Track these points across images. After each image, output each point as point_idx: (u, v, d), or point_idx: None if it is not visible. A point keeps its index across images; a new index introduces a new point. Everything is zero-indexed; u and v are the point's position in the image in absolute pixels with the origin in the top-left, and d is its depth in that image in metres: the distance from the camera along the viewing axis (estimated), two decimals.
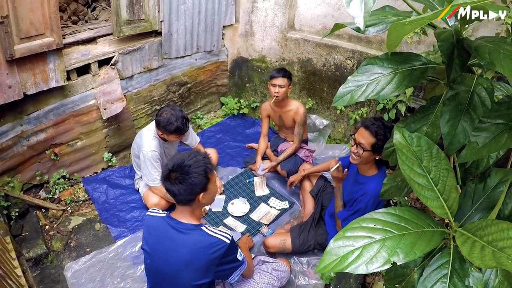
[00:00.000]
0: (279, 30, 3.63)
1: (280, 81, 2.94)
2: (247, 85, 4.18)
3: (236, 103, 4.20)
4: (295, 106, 3.11)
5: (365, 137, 2.06)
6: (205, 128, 4.06)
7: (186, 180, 1.58)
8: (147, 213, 1.77)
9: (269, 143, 3.45)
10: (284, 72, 2.97)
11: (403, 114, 2.95)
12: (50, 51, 2.60)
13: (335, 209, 2.39)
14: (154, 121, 2.71)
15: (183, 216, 1.67)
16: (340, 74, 3.43)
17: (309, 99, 3.77)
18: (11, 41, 2.36)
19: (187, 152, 1.69)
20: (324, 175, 2.99)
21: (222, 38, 3.96)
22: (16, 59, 2.43)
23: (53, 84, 2.72)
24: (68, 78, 2.83)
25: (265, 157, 3.37)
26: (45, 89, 2.69)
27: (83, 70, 2.95)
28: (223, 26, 3.87)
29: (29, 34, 2.43)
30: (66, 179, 3.13)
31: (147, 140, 2.72)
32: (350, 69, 3.34)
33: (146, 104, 3.55)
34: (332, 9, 3.33)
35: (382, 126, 2.04)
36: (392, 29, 0.74)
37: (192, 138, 3.09)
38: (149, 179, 2.75)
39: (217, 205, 3.02)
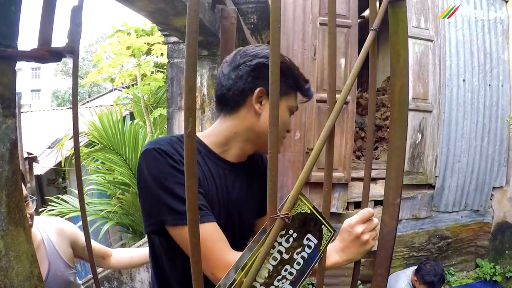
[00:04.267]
0: None
1: None
2: (507, 252, 3.87)
3: (491, 268, 3.94)
4: None
5: None
6: (453, 285, 3.85)
7: None
8: None
9: None
10: None
11: None
12: (338, 184, 3.27)
13: None
14: (411, 268, 2.89)
15: None
16: None
17: None
18: None
19: None
20: None
21: (490, 199, 3.88)
22: (310, 182, 3.19)
23: (333, 210, 3.33)
24: (346, 208, 3.40)
25: None
26: None
27: (359, 204, 3.48)
28: (493, 187, 3.81)
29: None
30: None
31: (400, 284, 2.87)
32: None
33: (405, 248, 3.75)
34: None
35: None
36: None
37: None
38: None
39: None
